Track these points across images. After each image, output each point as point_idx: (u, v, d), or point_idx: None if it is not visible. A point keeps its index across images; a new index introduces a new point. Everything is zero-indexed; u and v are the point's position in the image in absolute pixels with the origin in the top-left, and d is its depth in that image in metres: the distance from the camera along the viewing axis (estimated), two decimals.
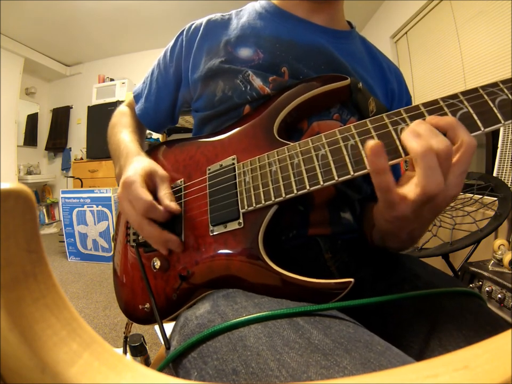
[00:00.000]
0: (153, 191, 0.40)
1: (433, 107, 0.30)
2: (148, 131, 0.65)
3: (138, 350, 0.77)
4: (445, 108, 0.30)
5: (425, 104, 0.31)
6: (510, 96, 0.28)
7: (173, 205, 0.38)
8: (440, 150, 0.26)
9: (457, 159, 0.27)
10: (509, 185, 1.25)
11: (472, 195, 1.32)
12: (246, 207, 0.35)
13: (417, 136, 0.27)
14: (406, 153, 0.29)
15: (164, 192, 0.40)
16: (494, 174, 1.40)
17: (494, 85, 0.29)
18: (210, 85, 0.47)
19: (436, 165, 0.26)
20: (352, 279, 0.29)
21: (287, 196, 0.33)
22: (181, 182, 0.44)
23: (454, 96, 0.30)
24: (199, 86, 0.48)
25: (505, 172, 1.35)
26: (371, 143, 0.27)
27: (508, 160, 1.35)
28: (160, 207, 0.38)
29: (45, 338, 0.13)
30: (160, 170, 0.42)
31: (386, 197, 0.30)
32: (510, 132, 1.36)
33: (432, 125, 0.28)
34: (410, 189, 0.28)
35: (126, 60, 3.59)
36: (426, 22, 2.10)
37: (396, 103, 0.53)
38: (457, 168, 0.28)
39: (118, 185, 0.42)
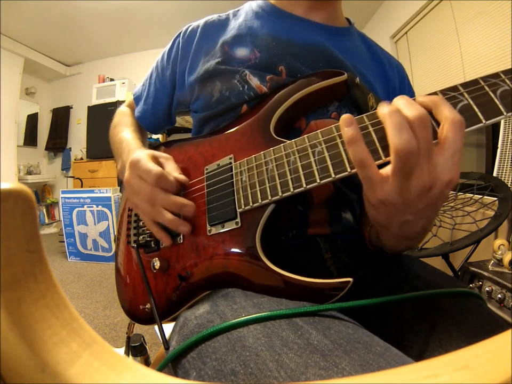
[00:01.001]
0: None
1: None
2: None
3: (138, 350, 0.77)
4: None
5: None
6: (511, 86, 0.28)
7: (182, 176, 0.40)
8: (411, 116, 0.26)
9: (443, 138, 0.26)
10: (509, 185, 1.25)
11: (472, 195, 1.32)
12: (243, 207, 0.35)
13: (387, 104, 0.28)
14: None
15: (171, 168, 0.41)
16: (494, 174, 1.40)
17: (495, 75, 0.29)
18: (207, 86, 0.47)
19: (403, 122, 0.26)
20: (350, 279, 0.29)
21: (284, 194, 0.33)
22: None
23: (454, 88, 0.29)
24: (196, 87, 0.48)
25: (505, 172, 1.35)
26: (343, 116, 0.28)
27: (508, 160, 1.35)
28: (171, 177, 0.39)
29: (45, 338, 0.13)
30: (163, 153, 0.43)
31: (364, 172, 0.28)
32: (510, 131, 1.36)
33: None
34: (389, 164, 0.27)
35: (126, 60, 3.59)
36: (426, 22, 2.10)
37: None
38: (445, 149, 0.26)
39: (121, 181, 0.43)
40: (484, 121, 0.27)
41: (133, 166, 0.39)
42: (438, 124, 0.28)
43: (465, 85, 0.29)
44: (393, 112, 0.27)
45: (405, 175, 0.26)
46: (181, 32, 0.53)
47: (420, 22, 2.16)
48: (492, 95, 0.28)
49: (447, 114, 0.26)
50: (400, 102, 0.28)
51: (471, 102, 0.28)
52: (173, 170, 0.41)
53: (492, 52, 1.55)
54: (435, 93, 0.30)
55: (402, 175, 0.27)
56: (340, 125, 0.28)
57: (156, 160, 0.41)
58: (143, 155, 0.40)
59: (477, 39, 1.64)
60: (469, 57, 1.71)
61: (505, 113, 0.27)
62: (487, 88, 0.28)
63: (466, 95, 0.29)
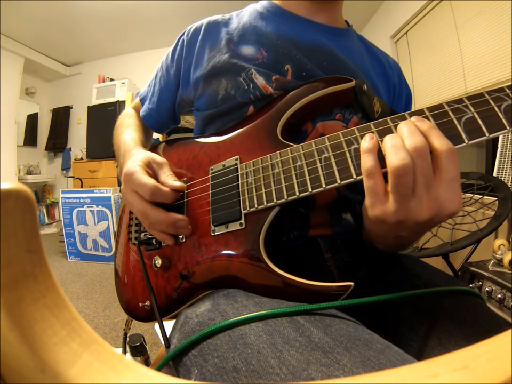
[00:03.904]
0: (154, 179, 0.40)
1: (438, 111, 0.30)
2: None
3: (138, 350, 0.77)
4: (450, 113, 0.29)
5: (430, 108, 0.31)
6: None
7: (177, 183, 0.39)
8: (411, 147, 0.27)
9: (438, 169, 0.27)
10: (509, 185, 1.25)
11: (472, 195, 1.32)
12: (248, 208, 0.35)
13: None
14: None
15: (165, 175, 0.40)
16: (494, 174, 1.40)
17: (500, 90, 0.29)
18: (212, 83, 0.47)
19: (400, 144, 0.27)
20: (351, 283, 0.29)
21: (289, 198, 0.33)
22: (183, 181, 0.44)
23: (459, 100, 0.30)
24: (201, 83, 0.48)
25: (505, 172, 1.35)
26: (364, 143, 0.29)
27: (508, 160, 1.35)
28: (165, 188, 0.38)
29: (45, 338, 0.13)
30: (157, 157, 0.42)
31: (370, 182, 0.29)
32: (510, 132, 1.35)
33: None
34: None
35: (126, 60, 3.59)
36: (426, 22, 2.10)
37: (397, 96, 0.54)
38: (443, 180, 0.27)
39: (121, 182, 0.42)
40: (487, 134, 0.28)
41: (127, 179, 0.39)
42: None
43: (470, 97, 0.30)
44: (392, 137, 0.28)
45: (401, 196, 0.27)
46: (184, 32, 0.54)
47: (420, 22, 2.16)
48: (497, 109, 0.28)
49: (437, 146, 0.27)
50: (403, 129, 0.28)
51: (476, 116, 0.29)
52: (167, 178, 0.39)
53: (492, 52, 1.54)
54: (441, 105, 0.30)
55: (398, 195, 0.27)
56: (362, 150, 0.29)
57: (150, 167, 0.41)
58: (137, 167, 0.39)
59: (477, 39, 1.64)
60: (469, 57, 1.71)
61: (508, 128, 0.28)
62: (492, 103, 0.29)
63: (471, 108, 0.29)
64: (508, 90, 0.29)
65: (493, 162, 1.45)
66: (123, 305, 0.47)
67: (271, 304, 0.31)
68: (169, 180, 0.39)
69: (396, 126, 0.30)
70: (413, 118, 0.29)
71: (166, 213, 0.38)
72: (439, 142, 0.27)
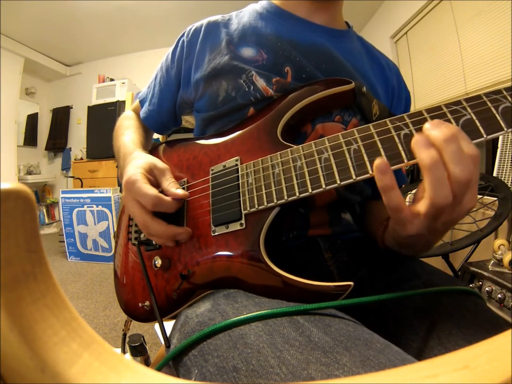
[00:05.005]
0: (156, 186, 0.40)
1: (437, 113, 0.30)
2: None
3: (138, 350, 0.77)
4: (448, 114, 0.30)
5: (428, 110, 0.31)
6: None
7: (180, 192, 0.38)
8: (458, 175, 0.25)
9: None
10: (509, 185, 1.25)
11: None
12: (248, 209, 0.35)
13: (427, 146, 0.26)
14: (408, 158, 0.29)
15: (168, 183, 0.39)
16: (494, 174, 1.40)
17: (498, 92, 0.29)
18: (213, 84, 0.47)
19: (444, 177, 0.25)
20: (351, 283, 0.29)
21: (289, 199, 0.33)
22: (184, 181, 0.44)
23: (458, 102, 0.30)
24: (201, 85, 0.48)
25: (505, 172, 1.35)
26: (377, 161, 0.27)
27: (508, 160, 1.35)
28: (168, 198, 0.37)
29: (45, 338, 0.13)
30: (159, 163, 0.42)
31: (398, 216, 0.30)
32: (510, 132, 1.35)
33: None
34: (422, 203, 0.28)
35: (126, 60, 3.59)
36: (426, 22, 2.10)
37: (396, 99, 0.53)
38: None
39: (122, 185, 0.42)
40: (485, 136, 0.28)
41: (128, 188, 0.38)
42: None
43: (468, 99, 0.30)
44: (435, 165, 0.25)
45: (437, 218, 0.28)
46: (184, 32, 0.54)
47: (420, 22, 2.16)
48: (494, 111, 0.28)
49: (467, 150, 0.26)
50: (449, 149, 0.25)
51: (474, 117, 0.29)
52: (169, 186, 0.39)
53: (492, 51, 1.55)
54: (440, 107, 0.30)
55: (434, 218, 0.28)
56: (374, 171, 0.28)
57: (151, 173, 0.40)
58: (138, 175, 0.38)
59: (477, 39, 1.64)
60: (469, 57, 1.71)
61: (505, 129, 0.28)
62: (489, 104, 0.29)
63: (469, 109, 0.29)
64: (505, 92, 0.29)
65: (493, 162, 1.45)
66: (122, 306, 0.47)
67: (271, 304, 0.31)
68: (172, 188, 0.38)
69: (394, 128, 0.30)
70: (437, 121, 0.28)
71: (165, 225, 0.38)
72: (468, 147, 0.26)
